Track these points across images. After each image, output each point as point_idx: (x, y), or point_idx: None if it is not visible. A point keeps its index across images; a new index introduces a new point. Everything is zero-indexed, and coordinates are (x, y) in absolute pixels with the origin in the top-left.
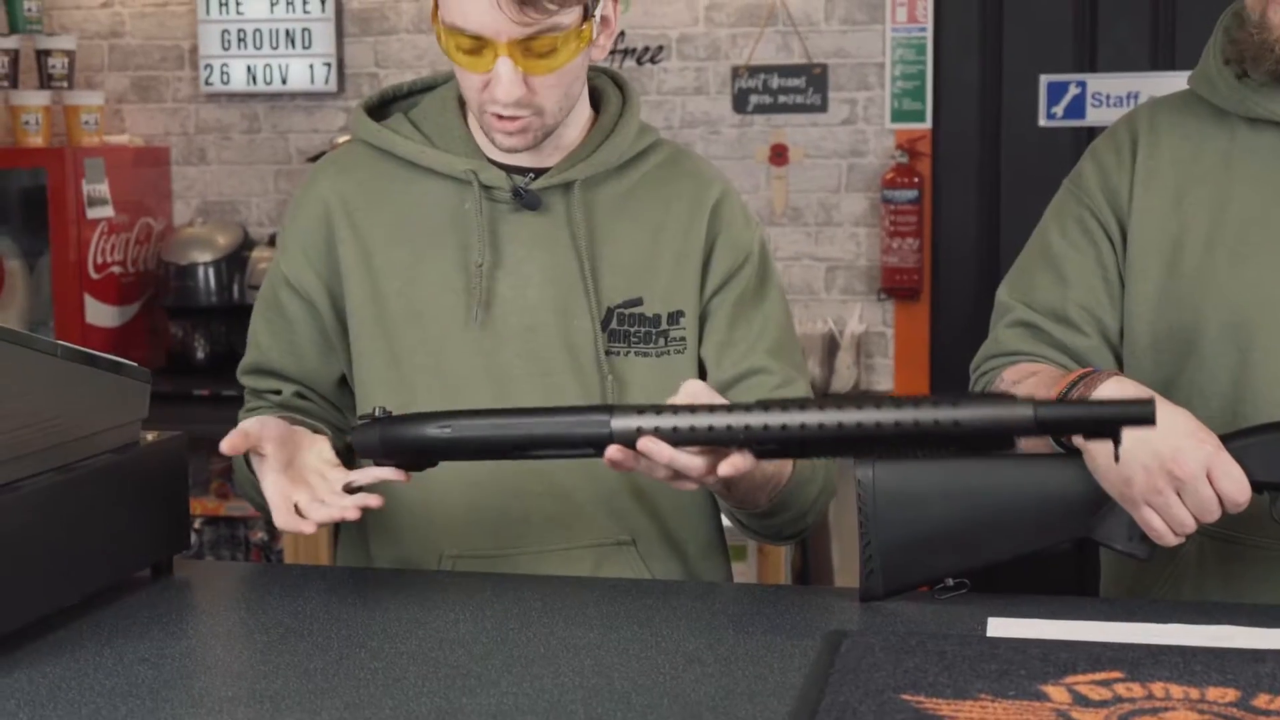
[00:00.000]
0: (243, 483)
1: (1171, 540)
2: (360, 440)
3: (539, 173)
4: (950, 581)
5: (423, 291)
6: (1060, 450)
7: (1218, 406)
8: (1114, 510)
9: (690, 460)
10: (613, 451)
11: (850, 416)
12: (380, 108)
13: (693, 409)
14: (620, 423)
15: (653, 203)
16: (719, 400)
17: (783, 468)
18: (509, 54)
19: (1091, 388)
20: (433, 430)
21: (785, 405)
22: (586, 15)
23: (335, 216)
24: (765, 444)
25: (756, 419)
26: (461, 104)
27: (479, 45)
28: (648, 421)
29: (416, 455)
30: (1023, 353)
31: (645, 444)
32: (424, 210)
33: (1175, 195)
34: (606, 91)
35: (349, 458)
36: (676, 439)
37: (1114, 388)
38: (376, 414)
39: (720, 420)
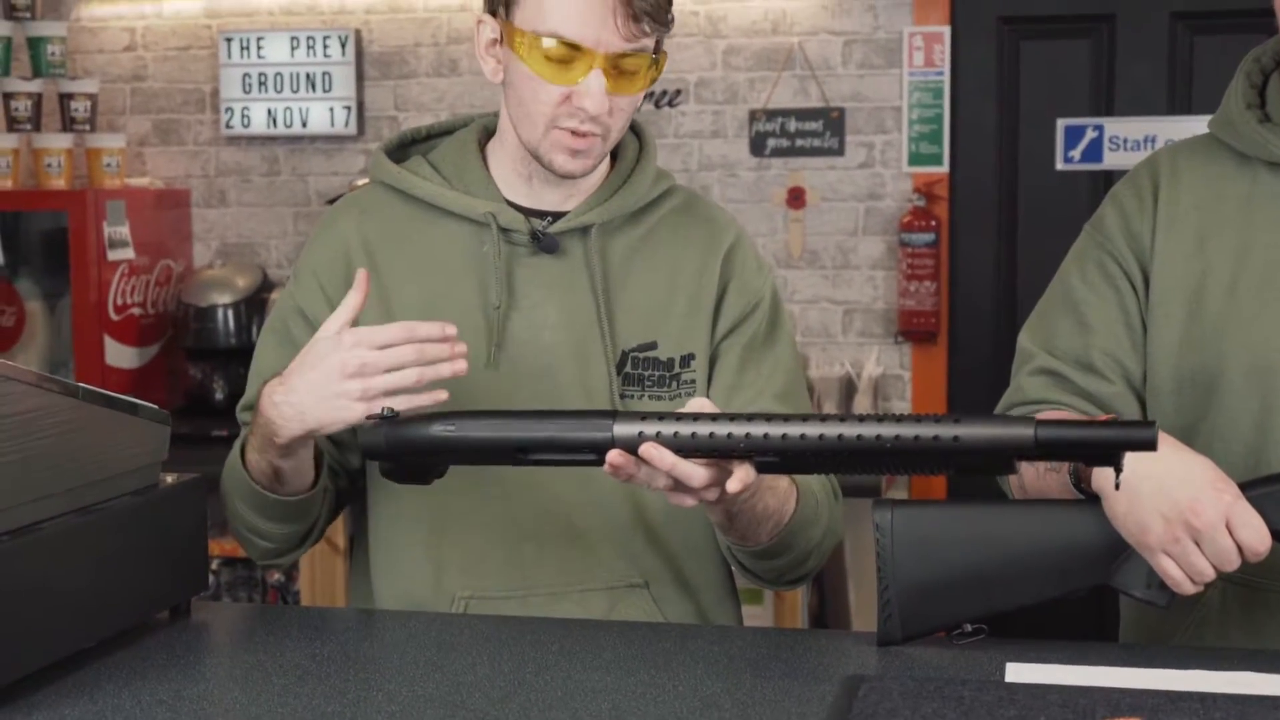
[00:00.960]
0: (236, 488)
1: (1190, 589)
2: (367, 440)
3: (556, 216)
4: (968, 627)
5: None
6: (1079, 496)
7: (1240, 451)
8: (1132, 557)
9: (691, 469)
10: (614, 455)
11: (851, 429)
12: (399, 150)
13: (695, 417)
14: (623, 428)
15: (668, 247)
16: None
17: (785, 504)
18: (602, 68)
19: None
20: (437, 429)
21: (787, 417)
22: (657, 48)
23: (355, 255)
24: (766, 454)
25: (758, 428)
26: (481, 147)
27: (572, 56)
28: (650, 427)
29: (422, 456)
30: (1047, 401)
31: (647, 449)
32: (442, 251)
33: (1197, 239)
34: (624, 137)
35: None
36: (678, 445)
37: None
38: (384, 413)
39: (722, 429)
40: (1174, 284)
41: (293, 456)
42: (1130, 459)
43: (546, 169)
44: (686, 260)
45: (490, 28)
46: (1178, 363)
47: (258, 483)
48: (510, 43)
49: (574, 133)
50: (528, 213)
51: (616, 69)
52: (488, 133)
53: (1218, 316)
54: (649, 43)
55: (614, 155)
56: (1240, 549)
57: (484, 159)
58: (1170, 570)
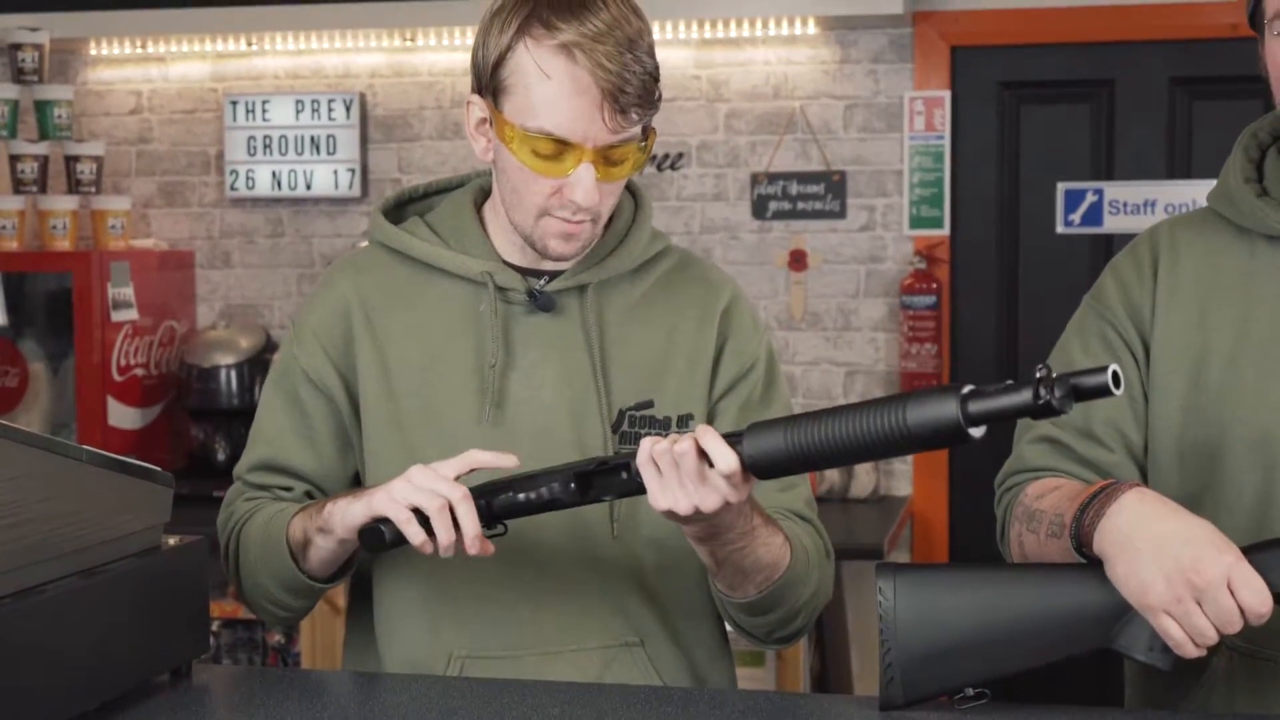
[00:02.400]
0: (271, 570)
1: (1192, 651)
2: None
3: (553, 275)
4: (971, 690)
5: (437, 391)
6: (1081, 560)
7: (1243, 521)
8: (1134, 620)
9: (723, 448)
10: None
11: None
12: (396, 210)
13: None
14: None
15: (665, 307)
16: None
17: (780, 561)
18: (592, 160)
19: (1111, 500)
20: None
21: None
22: (644, 133)
23: (354, 315)
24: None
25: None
26: (478, 208)
27: (561, 150)
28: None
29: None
30: (1048, 469)
31: (700, 429)
32: (440, 311)
33: (1198, 312)
34: (620, 197)
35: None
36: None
37: (1134, 499)
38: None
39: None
40: (1175, 356)
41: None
42: (1130, 521)
43: (539, 253)
44: (684, 320)
45: (479, 108)
46: (1180, 434)
47: (309, 574)
48: (500, 133)
49: (566, 221)
50: (524, 272)
51: (606, 159)
52: (484, 192)
53: (1219, 388)
54: (637, 130)
55: (610, 214)
56: (1242, 611)
57: (480, 219)
58: (1172, 631)
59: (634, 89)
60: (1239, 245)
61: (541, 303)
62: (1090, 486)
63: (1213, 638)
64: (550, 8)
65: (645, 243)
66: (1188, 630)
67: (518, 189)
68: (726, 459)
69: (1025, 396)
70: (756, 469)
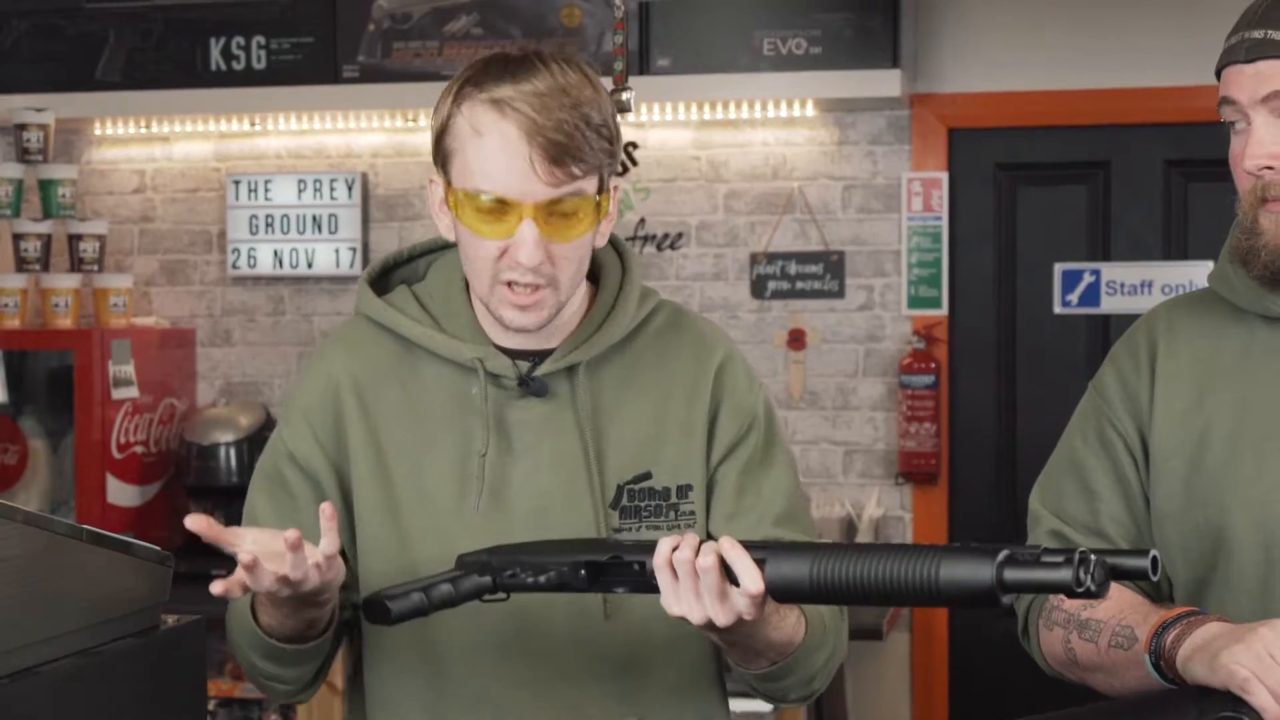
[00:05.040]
0: (251, 645)
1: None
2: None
3: (543, 355)
4: None
5: (431, 476)
6: (1151, 670)
7: (1246, 603)
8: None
9: (750, 568)
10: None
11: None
12: (382, 277)
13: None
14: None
15: (657, 372)
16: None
17: (794, 638)
18: (533, 217)
19: (1197, 625)
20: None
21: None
22: (601, 188)
23: (344, 394)
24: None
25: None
26: (468, 284)
27: (502, 209)
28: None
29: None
30: None
31: (725, 543)
32: (432, 393)
33: (1198, 394)
34: (605, 260)
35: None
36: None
37: (1219, 624)
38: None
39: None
40: (1175, 440)
41: (320, 607)
42: (1217, 631)
43: (498, 322)
44: (676, 383)
45: (439, 185)
46: (1181, 517)
47: (273, 636)
48: (449, 201)
49: (516, 286)
50: (515, 354)
51: (551, 216)
52: None
53: (1219, 472)
54: (585, 184)
55: (595, 279)
56: None
57: (470, 298)
58: (1259, 695)
59: (568, 140)
60: (1237, 326)
61: (534, 388)
62: (1170, 610)
63: None
64: (486, 72)
65: (634, 310)
66: (1271, 688)
67: (470, 258)
68: (754, 580)
69: (1064, 575)
70: (774, 592)
